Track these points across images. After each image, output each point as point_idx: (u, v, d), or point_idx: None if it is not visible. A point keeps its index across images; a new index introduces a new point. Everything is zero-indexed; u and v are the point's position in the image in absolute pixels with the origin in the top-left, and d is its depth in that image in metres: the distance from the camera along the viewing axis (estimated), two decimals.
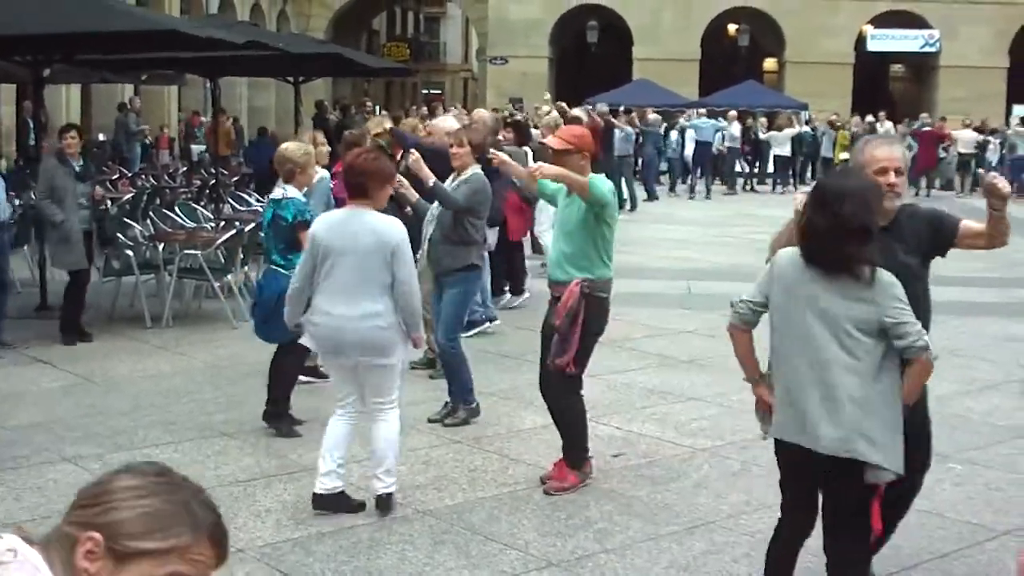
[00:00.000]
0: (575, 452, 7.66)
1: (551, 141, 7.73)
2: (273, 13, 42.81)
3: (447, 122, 12.27)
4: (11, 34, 11.93)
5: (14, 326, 12.08)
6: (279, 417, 8.82)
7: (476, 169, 9.28)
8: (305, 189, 9.24)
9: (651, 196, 29.86)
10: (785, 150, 34.65)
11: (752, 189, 34.76)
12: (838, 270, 4.95)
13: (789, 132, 34.83)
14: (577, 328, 7.29)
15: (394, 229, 6.84)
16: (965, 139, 35.24)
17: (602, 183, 7.38)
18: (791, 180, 34.83)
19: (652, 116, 32.12)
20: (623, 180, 25.00)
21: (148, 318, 12.85)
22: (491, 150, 8.87)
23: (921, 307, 5.28)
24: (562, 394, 7.65)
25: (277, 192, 9.11)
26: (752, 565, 6.44)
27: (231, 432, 8.85)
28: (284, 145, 9.33)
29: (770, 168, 35.46)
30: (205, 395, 9.98)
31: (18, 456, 8.18)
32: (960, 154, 35.15)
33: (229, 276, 13.34)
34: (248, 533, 6.76)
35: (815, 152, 35.74)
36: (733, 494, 7.60)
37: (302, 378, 9.51)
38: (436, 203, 9.18)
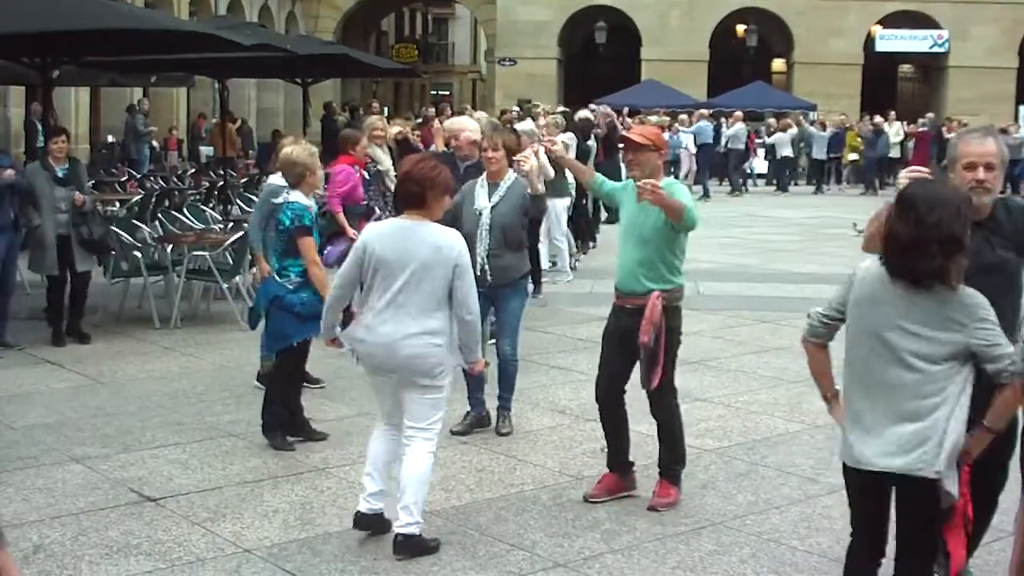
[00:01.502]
0: (679, 466, 7.44)
1: (631, 135, 7.27)
2: (282, 15, 42.80)
3: (465, 123, 11.67)
4: (20, 34, 11.96)
5: (23, 327, 12.11)
6: (272, 428, 8.49)
7: (513, 174, 8.82)
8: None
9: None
10: (786, 151, 34.70)
11: (784, 189, 34.69)
12: (921, 285, 4.66)
13: (791, 133, 34.84)
14: (662, 343, 6.98)
15: (457, 242, 6.39)
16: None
17: (692, 205, 7.01)
18: (792, 181, 34.95)
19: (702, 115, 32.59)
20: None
21: (156, 319, 12.87)
22: (515, 157, 8.63)
23: (1013, 304, 5.17)
24: (672, 408, 7.35)
25: (269, 185, 9.14)
26: (759, 566, 6.45)
27: (239, 433, 8.86)
28: (288, 150, 8.88)
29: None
30: (213, 396, 10.00)
31: (26, 457, 8.19)
32: None
33: (237, 278, 13.37)
34: (255, 533, 6.77)
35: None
36: (740, 495, 7.60)
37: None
38: (486, 212, 8.64)
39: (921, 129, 35.26)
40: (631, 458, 7.53)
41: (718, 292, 15.14)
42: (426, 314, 6.30)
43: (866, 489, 5.01)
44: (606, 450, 7.57)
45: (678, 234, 7.07)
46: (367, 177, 12.17)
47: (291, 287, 8.38)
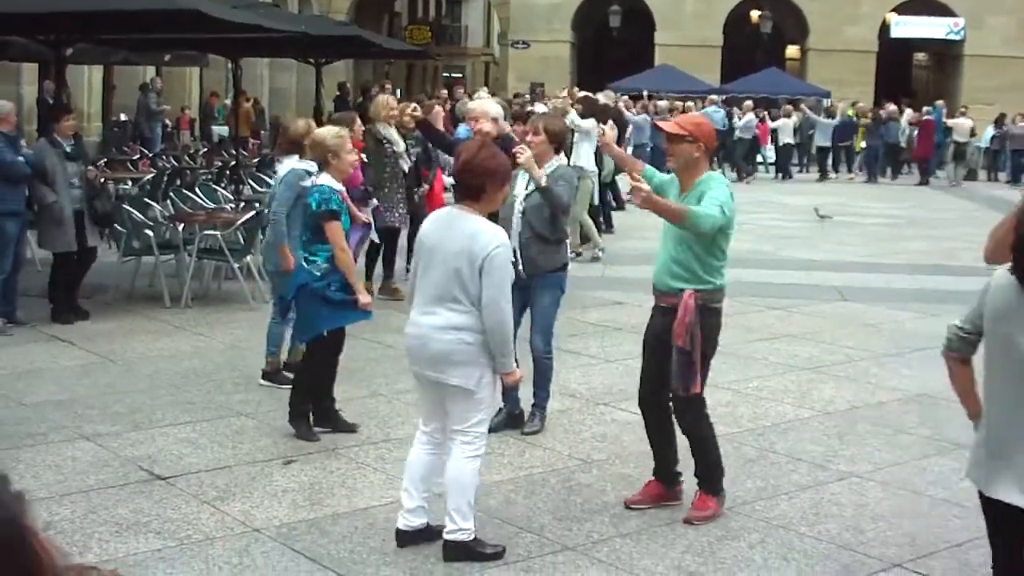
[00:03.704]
0: (716, 477, 6.99)
1: (666, 125, 6.92)
2: None
3: (488, 106, 10.98)
4: (34, 12, 11.96)
5: (34, 304, 12.12)
6: (299, 416, 8.27)
7: (558, 160, 8.46)
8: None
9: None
10: (788, 137, 34.66)
11: (787, 175, 34.63)
12: None
13: (792, 119, 34.80)
14: (698, 346, 6.65)
15: (491, 238, 5.98)
16: (961, 128, 35.10)
17: (712, 209, 6.47)
18: (796, 167, 34.96)
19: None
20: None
21: (167, 298, 12.88)
22: (517, 148, 8.12)
23: None
24: (699, 418, 6.95)
25: (284, 169, 9.09)
26: (767, 551, 6.45)
27: (249, 412, 8.87)
28: (317, 130, 8.66)
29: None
30: (223, 375, 10.01)
31: (36, 433, 8.21)
32: (956, 143, 35.00)
33: (248, 257, 13.37)
34: (264, 512, 6.78)
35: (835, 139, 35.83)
36: (749, 480, 7.59)
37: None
38: (519, 200, 8.23)
39: (925, 117, 35.14)
40: (679, 468, 7.15)
41: (728, 278, 15.08)
42: (456, 309, 6.00)
43: (1002, 522, 4.53)
44: None
45: (718, 232, 6.63)
46: (365, 160, 12.01)
47: (319, 273, 8.07)
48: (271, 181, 18.41)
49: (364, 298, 8.25)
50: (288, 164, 9.71)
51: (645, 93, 30.81)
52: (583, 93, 22.73)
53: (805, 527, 6.83)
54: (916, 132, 35.05)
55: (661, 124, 7.00)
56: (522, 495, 7.19)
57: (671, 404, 6.94)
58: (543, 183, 8.11)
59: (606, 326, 12.24)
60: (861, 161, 35.98)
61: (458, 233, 6.03)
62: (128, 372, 10.10)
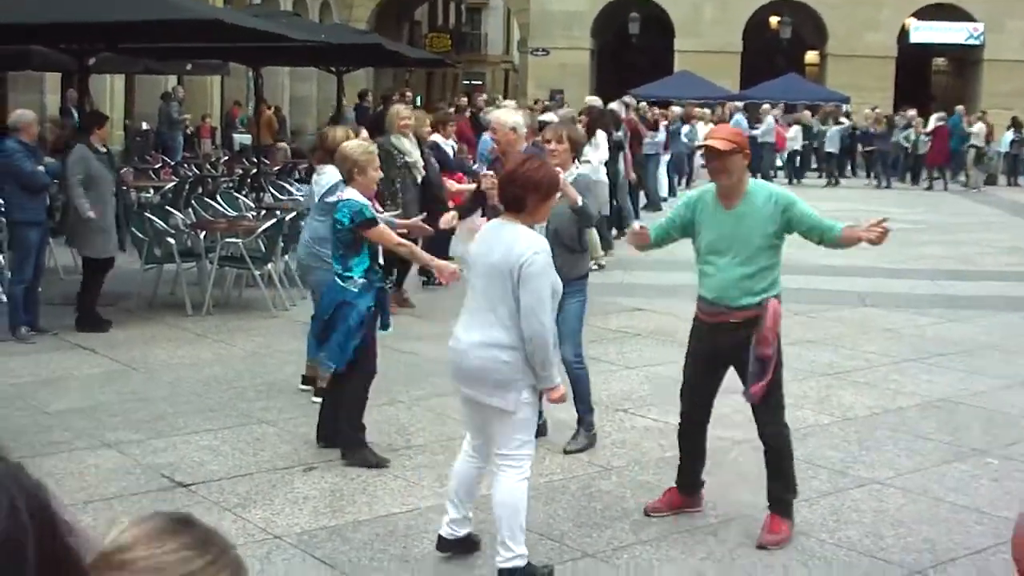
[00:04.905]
0: (791, 499, 6.81)
1: (714, 143, 6.63)
2: (316, 3, 42.84)
3: (509, 115, 10.23)
4: (58, 22, 12.04)
5: (57, 312, 12.18)
6: (357, 447, 7.93)
7: (576, 169, 8.34)
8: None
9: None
10: (796, 144, 34.71)
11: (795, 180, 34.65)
12: None
13: (796, 127, 34.93)
14: (775, 352, 6.56)
15: (528, 245, 5.78)
16: (979, 133, 35.02)
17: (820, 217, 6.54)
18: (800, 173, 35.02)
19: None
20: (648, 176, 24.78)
21: (189, 306, 12.94)
22: (483, 187, 7.93)
23: None
24: (783, 426, 6.80)
25: (328, 178, 8.97)
26: (787, 558, 6.45)
27: (270, 419, 8.91)
28: (345, 143, 8.36)
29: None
30: (244, 383, 10.05)
31: (59, 441, 8.26)
32: (975, 148, 34.91)
33: (269, 265, 13.42)
34: (285, 519, 6.81)
35: (851, 146, 36.04)
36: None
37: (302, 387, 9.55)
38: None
39: (938, 124, 35.07)
40: (703, 477, 7.15)
41: None
42: (494, 323, 5.81)
43: None
44: None
45: (782, 241, 6.63)
46: None
47: (356, 289, 7.83)
48: (292, 189, 18.59)
49: (448, 269, 7.89)
50: (330, 172, 9.34)
51: (643, 105, 30.26)
52: (590, 98, 22.61)
53: (825, 533, 6.83)
54: (930, 138, 35.01)
55: (710, 144, 6.68)
56: (542, 502, 7.19)
57: (757, 418, 6.83)
58: (579, 203, 7.93)
59: (625, 332, 12.25)
60: (878, 167, 35.97)
61: (498, 244, 5.88)
62: (150, 380, 10.15)
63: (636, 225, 7.27)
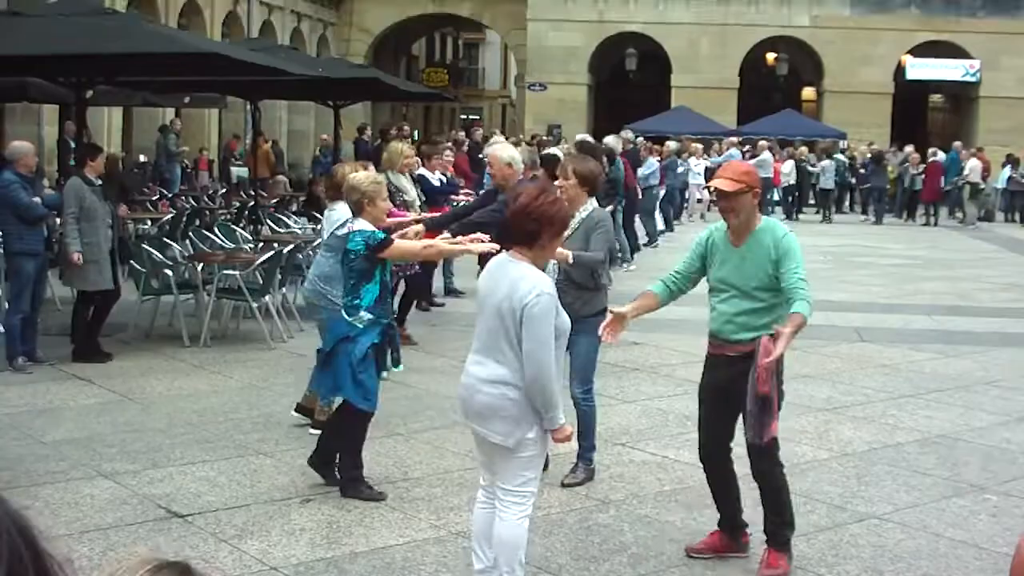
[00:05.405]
0: (788, 531, 6.72)
1: (721, 184, 6.58)
2: (314, 37, 43.04)
3: (505, 151, 10.43)
4: (57, 54, 12.08)
5: (54, 343, 12.17)
6: (354, 484, 7.87)
7: (591, 205, 8.14)
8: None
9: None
10: (790, 179, 34.94)
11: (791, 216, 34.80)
12: None
13: (790, 163, 35.14)
14: (774, 389, 6.44)
15: (532, 286, 5.60)
16: (970, 168, 35.15)
17: (804, 290, 6.36)
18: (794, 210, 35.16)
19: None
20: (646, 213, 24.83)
21: (186, 337, 12.93)
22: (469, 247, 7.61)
23: None
24: (775, 465, 6.71)
25: (340, 215, 8.91)
26: None
27: (267, 451, 8.89)
28: (352, 175, 8.34)
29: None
30: (241, 414, 10.03)
31: (55, 471, 8.24)
32: (970, 184, 35.03)
33: (267, 297, 13.42)
34: (282, 551, 6.78)
35: (847, 182, 36.21)
36: None
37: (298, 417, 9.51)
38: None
39: (932, 159, 35.26)
40: (744, 519, 6.95)
41: None
42: (501, 361, 5.70)
43: None
44: None
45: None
46: None
47: (360, 326, 7.74)
48: (290, 222, 18.61)
49: (478, 248, 7.49)
50: (341, 208, 9.22)
51: (637, 137, 30.24)
52: (580, 136, 22.50)
53: (824, 568, 6.80)
54: (922, 175, 35.14)
55: (718, 185, 6.60)
56: (540, 535, 7.16)
57: (750, 454, 6.69)
58: (570, 261, 7.72)
59: (623, 367, 12.24)
60: (872, 203, 36.11)
61: (504, 281, 5.72)
62: (147, 411, 10.13)
63: (609, 314, 6.95)
